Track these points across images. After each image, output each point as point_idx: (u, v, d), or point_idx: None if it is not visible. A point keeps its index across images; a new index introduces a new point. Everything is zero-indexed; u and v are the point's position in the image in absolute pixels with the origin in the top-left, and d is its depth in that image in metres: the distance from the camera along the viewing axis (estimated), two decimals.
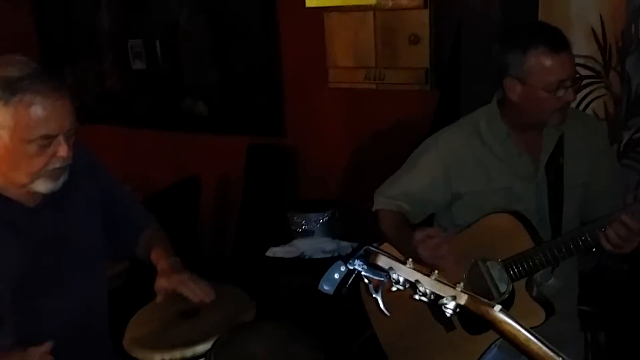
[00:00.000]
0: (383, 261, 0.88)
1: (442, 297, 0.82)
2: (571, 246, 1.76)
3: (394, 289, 0.85)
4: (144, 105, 4.27)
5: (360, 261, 0.92)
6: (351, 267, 0.94)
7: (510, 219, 1.85)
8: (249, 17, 3.72)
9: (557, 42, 1.75)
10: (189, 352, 1.56)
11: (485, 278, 1.89)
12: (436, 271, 0.86)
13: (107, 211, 1.75)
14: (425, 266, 0.87)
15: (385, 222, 1.99)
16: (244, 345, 1.54)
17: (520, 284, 1.86)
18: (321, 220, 3.51)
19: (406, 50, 3.17)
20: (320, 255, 3.37)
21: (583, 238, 1.75)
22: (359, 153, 3.56)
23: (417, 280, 0.83)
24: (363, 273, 0.89)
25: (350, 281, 0.98)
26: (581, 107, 2.62)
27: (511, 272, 1.85)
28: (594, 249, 1.77)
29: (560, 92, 1.75)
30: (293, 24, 3.62)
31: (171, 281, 1.66)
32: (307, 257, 3.39)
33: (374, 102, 3.46)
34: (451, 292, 0.83)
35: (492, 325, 0.81)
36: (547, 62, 1.74)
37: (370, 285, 0.92)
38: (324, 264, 3.30)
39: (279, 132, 3.82)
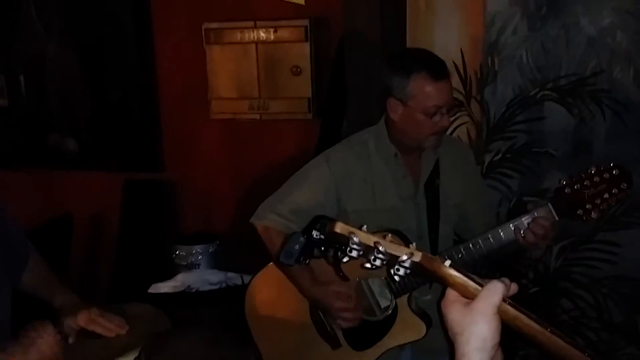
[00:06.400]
0: (341, 228, 0.89)
1: (399, 257, 0.86)
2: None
3: (345, 259, 0.87)
4: (6, 143, 3.99)
5: (318, 231, 0.93)
6: (310, 238, 0.94)
7: (393, 238, 1.93)
8: (123, 47, 3.64)
9: (438, 70, 1.89)
10: None
11: (367, 295, 1.97)
12: (389, 234, 0.90)
13: None
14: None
15: (279, 243, 1.98)
16: (175, 350, 1.51)
17: (403, 300, 1.96)
18: (207, 252, 3.46)
19: (289, 81, 3.28)
20: (207, 287, 3.29)
21: (459, 255, 1.89)
22: (243, 184, 3.57)
23: (376, 242, 0.87)
24: (320, 243, 0.91)
25: (309, 252, 0.99)
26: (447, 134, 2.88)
27: (393, 288, 1.95)
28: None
29: (437, 117, 1.88)
30: (171, 55, 3.61)
31: (80, 319, 1.67)
32: (193, 290, 3.30)
33: (258, 132, 3.51)
34: (406, 250, 0.88)
35: (444, 280, 0.87)
36: (427, 87, 1.86)
37: (329, 254, 0.94)
38: (211, 296, 3.19)
39: (158, 167, 3.75)
